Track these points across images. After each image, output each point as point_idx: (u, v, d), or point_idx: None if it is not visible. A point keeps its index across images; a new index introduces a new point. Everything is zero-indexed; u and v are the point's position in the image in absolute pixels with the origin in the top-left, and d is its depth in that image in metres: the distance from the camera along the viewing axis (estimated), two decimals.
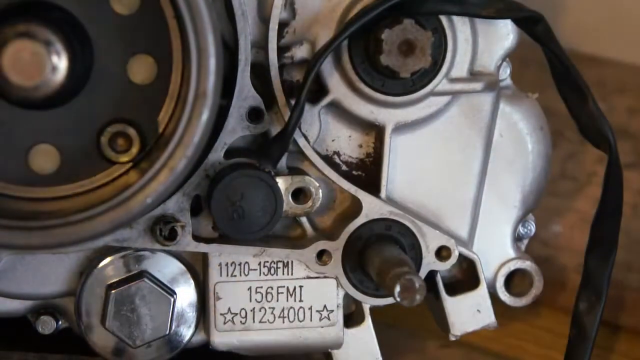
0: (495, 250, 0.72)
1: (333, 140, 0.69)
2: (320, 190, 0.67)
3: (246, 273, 0.68)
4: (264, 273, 0.68)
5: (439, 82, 0.67)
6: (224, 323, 0.68)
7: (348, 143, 0.69)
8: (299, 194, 0.67)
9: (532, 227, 0.74)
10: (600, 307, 0.67)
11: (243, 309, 0.68)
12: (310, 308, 0.69)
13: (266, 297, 0.68)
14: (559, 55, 0.65)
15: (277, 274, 0.68)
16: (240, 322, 0.68)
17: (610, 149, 0.65)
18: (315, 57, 0.65)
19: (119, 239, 0.65)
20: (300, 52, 0.66)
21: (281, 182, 0.66)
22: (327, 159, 0.69)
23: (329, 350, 0.70)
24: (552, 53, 0.66)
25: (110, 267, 0.67)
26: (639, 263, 0.88)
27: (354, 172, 0.70)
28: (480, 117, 0.69)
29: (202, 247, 0.66)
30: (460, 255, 0.70)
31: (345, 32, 0.63)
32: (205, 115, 0.57)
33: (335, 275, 0.68)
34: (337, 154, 0.69)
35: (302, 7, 0.66)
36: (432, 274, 0.70)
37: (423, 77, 0.66)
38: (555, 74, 0.67)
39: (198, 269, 0.69)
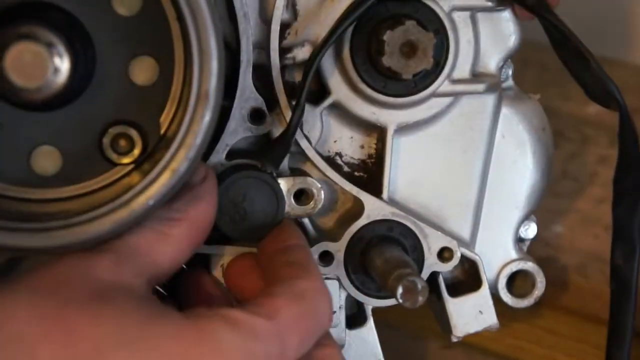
0: (497, 252, 0.72)
1: (335, 142, 0.69)
2: (322, 192, 0.67)
3: None
4: None
5: (441, 84, 0.67)
6: None
7: (350, 144, 0.69)
8: (301, 195, 0.67)
9: (534, 228, 0.74)
10: (636, 256, 0.68)
11: None
12: None
13: None
14: (555, 23, 0.65)
15: None
16: None
17: (620, 106, 0.64)
18: (313, 56, 0.65)
19: None
20: (302, 53, 0.66)
21: (283, 184, 0.66)
22: (329, 160, 0.69)
23: None
24: (548, 22, 0.65)
25: None
26: None
27: (355, 174, 0.69)
28: (482, 118, 0.69)
29: (204, 249, 0.66)
30: (462, 256, 0.70)
31: (340, 28, 0.64)
32: (207, 117, 0.57)
33: (337, 276, 0.68)
34: (339, 155, 0.69)
35: (303, 8, 0.66)
36: (434, 275, 0.70)
37: (425, 78, 0.66)
38: (554, 42, 0.66)
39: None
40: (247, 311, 0.54)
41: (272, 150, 0.65)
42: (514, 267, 0.73)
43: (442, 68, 0.66)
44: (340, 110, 0.68)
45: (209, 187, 0.60)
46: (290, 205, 0.66)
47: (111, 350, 0.51)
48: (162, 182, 0.57)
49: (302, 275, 0.58)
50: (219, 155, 0.65)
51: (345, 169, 0.69)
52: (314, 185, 0.67)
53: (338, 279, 0.68)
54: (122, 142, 0.61)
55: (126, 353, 0.51)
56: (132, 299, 0.54)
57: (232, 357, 0.52)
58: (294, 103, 0.65)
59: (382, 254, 0.66)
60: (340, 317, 0.69)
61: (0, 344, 0.50)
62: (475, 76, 0.68)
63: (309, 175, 0.67)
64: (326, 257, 0.68)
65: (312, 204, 0.67)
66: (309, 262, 0.61)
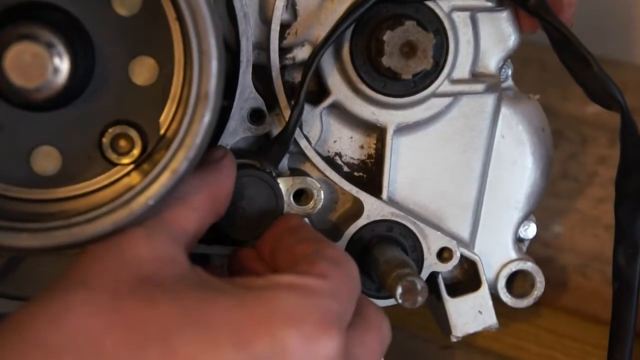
0: (497, 252, 0.72)
1: (335, 142, 0.69)
2: (322, 192, 0.67)
3: None
4: None
5: (441, 84, 0.67)
6: None
7: (349, 144, 0.69)
8: (301, 195, 0.67)
9: (534, 228, 0.74)
10: (639, 257, 0.68)
11: None
12: None
13: None
14: (557, 25, 0.65)
15: None
16: None
17: (622, 107, 0.64)
18: (312, 55, 0.65)
19: None
20: (302, 53, 0.66)
21: (282, 183, 0.66)
22: (329, 160, 0.69)
23: None
24: (549, 24, 0.65)
25: None
26: None
27: (355, 174, 0.70)
28: (481, 118, 0.69)
29: (203, 248, 0.66)
30: (462, 256, 0.70)
31: (340, 28, 0.64)
32: (207, 117, 0.57)
33: None
34: (339, 155, 0.69)
35: (303, 9, 0.66)
36: (433, 275, 0.70)
37: (425, 78, 0.66)
38: (555, 44, 0.66)
39: None
40: (298, 274, 0.54)
41: (271, 149, 0.65)
42: (513, 267, 0.73)
43: (442, 68, 0.67)
44: (340, 111, 0.68)
45: (228, 161, 0.61)
46: (289, 204, 0.66)
47: (176, 331, 0.50)
48: (162, 182, 0.57)
49: (326, 245, 0.59)
50: None
51: (345, 169, 0.69)
52: (314, 185, 0.67)
53: None
54: (122, 142, 0.61)
55: (192, 331, 0.50)
56: (179, 274, 0.54)
57: (299, 316, 0.51)
58: (293, 103, 0.65)
59: (382, 254, 0.66)
60: None
61: (65, 340, 0.50)
62: (475, 76, 0.69)
63: (309, 175, 0.67)
64: None
65: (311, 203, 0.67)
66: (322, 236, 0.62)
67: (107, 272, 0.53)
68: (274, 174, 0.65)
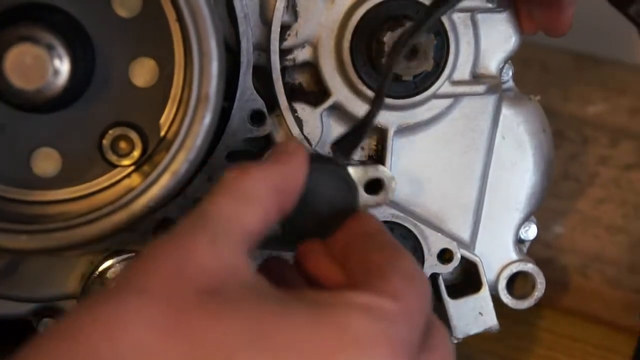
0: (498, 253, 0.72)
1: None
2: (394, 182, 0.62)
3: None
4: None
5: (441, 85, 0.67)
6: None
7: None
8: (374, 185, 0.62)
9: (534, 230, 0.74)
10: None
11: None
12: None
13: None
14: None
15: None
16: None
17: None
18: (409, 31, 0.60)
19: (121, 242, 0.65)
20: (302, 54, 0.66)
21: (354, 173, 0.60)
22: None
23: None
24: None
25: (112, 269, 0.67)
26: None
27: None
28: (482, 119, 0.69)
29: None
30: (463, 258, 0.70)
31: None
32: (207, 119, 0.57)
33: None
34: None
35: (304, 10, 0.66)
36: (434, 277, 0.70)
37: (425, 79, 0.66)
38: None
39: None
40: (372, 293, 0.50)
41: (344, 141, 0.62)
42: (514, 268, 0.72)
43: (443, 69, 0.66)
44: (340, 112, 0.68)
45: (299, 154, 0.55)
46: (361, 195, 0.61)
47: (242, 351, 0.45)
48: (162, 184, 0.57)
49: (400, 256, 0.54)
50: (219, 156, 0.65)
51: None
52: (386, 174, 0.62)
53: None
54: (122, 144, 0.61)
55: (258, 351, 0.46)
56: (244, 284, 0.48)
57: (372, 345, 0.47)
58: (294, 105, 0.65)
59: None
60: None
61: (120, 356, 0.45)
62: (476, 77, 0.68)
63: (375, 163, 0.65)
64: None
65: (382, 194, 0.62)
66: (399, 244, 0.56)
67: (168, 282, 0.47)
68: (345, 165, 0.60)
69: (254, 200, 0.52)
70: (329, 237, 0.57)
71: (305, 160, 0.55)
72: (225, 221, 0.50)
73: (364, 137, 0.64)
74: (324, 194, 0.58)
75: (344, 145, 0.63)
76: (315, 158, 0.58)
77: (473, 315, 0.71)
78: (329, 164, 0.59)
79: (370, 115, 0.61)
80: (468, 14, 0.67)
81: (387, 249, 0.55)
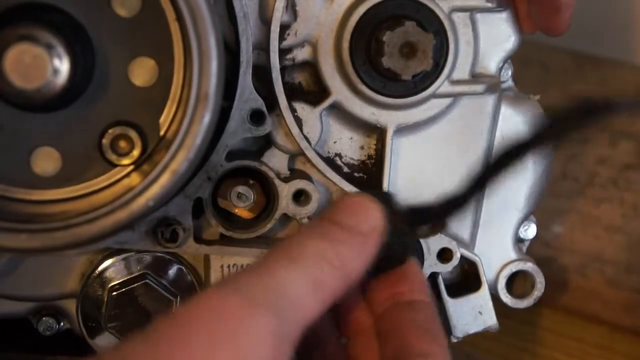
0: (497, 252, 0.72)
1: (335, 142, 0.69)
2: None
3: None
4: None
5: (441, 85, 0.67)
6: None
7: (350, 145, 0.69)
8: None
9: (534, 229, 0.74)
10: None
11: None
12: None
13: None
14: None
15: None
16: None
17: None
18: None
19: (121, 241, 0.65)
20: (302, 54, 0.66)
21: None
22: (329, 161, 0.69)
23: None
24: None
25: (112, 269, 0.67)
26: (639, 264, 0.88)
27: (355, 174, 0.69)
28: (481, 119, 0.69)
29: (204, 249, 0.66)
30: (462, 257, 0.70)
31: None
32: (206, 118, 0.57)
33: None
34: (339, 156, 0.69)
35: (303, 10, 0.66)
36: (433, 276, 0.70)
37: (425, 79, 0.66)
38: None
39: (200, 271, 0.69)
40: None
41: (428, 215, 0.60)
42: (513, 267, 0.73)
43: (442, 69, 0.66)
44: (340, 111, 0.68)
45: (374, 236, 0.53)
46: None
47: None
48: (161, 183, 0.57)
49: (434, 347, 0.53)
50: (219, 156, 0.65)
51: (345, 169, 0.69)
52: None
53: None
54: (122, 143, 0.61)
55: None
56: None
57: None
58: (294, 104, 0.65)
59: None
60: None
61: None
62: (475, 77, 0.68)
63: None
64: None
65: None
66: (437, 325, 0.55)
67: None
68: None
69: (324, 290, 0.50)
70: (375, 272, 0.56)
71: (379, 241, 0.53)
72: (291, 304, 0.48)
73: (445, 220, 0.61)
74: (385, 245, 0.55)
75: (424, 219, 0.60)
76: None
77: (472, 314, 0.71)
78: (404, 229, 0.57)
79: (468, 194, 0.58)
80: (467, 14, 0.67)
81: (423, 331, 0.54)
